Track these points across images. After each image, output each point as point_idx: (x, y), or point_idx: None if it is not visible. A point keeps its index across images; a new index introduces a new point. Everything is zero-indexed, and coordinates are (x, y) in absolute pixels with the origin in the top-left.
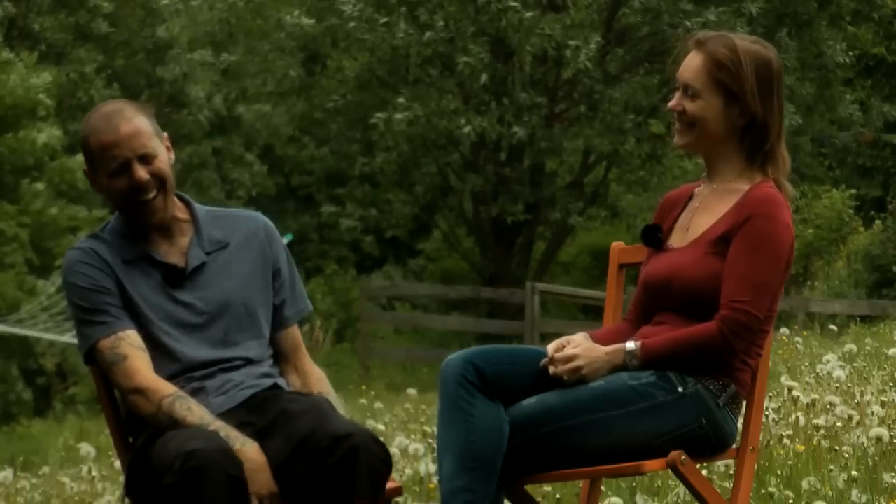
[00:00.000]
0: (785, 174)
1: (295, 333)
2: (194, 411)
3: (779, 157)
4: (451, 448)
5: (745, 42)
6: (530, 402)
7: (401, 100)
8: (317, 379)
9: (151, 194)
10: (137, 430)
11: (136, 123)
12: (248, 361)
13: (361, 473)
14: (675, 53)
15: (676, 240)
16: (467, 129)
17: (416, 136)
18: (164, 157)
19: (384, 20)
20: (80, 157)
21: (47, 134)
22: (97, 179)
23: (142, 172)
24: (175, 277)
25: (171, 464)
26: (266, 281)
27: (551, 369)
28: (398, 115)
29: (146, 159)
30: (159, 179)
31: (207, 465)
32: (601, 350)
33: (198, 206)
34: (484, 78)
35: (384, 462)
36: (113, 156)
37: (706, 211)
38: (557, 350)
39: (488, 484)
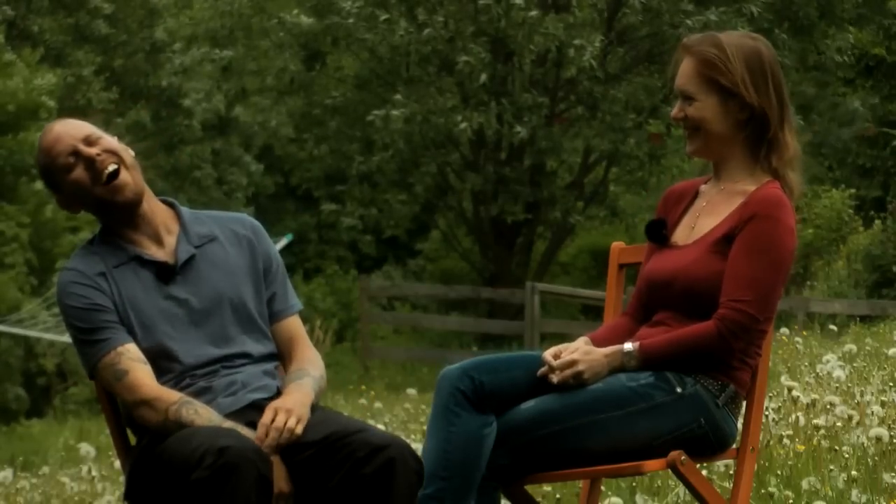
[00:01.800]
0: (791, 163)
1: (290, 327)
2: (202, 414)
3: (783, 144)
4: (430, 456)
5: (731, 37)
6: (529, 405)
7: (398, 97)
8: (307, 359)
9: (111, 167)
10: (142, 428)
11: (73, 122)
12: (249, 357)
13: (398, 486)
14: (671, 66)
15: (681, 237)
16: (464, 125)
17: (413, 135)
18: (113, 140)
19: (384, 17)
20: None
21: None
22: (63, 191)
23: (90, 150)
24: (166, 274)
25: (200, 459)
26: (257, 276)
27: (554, 377)
28: (395, 112)
29: (90, 140)
30: (113, 155)
31: (241, 462)
32: (600, 353)
33: (183, 209)
34: (483, 77)
35: (418, 475)
36: (58, 151)
37: (712, 211)
38: (555, 357)
39: (460, 495)
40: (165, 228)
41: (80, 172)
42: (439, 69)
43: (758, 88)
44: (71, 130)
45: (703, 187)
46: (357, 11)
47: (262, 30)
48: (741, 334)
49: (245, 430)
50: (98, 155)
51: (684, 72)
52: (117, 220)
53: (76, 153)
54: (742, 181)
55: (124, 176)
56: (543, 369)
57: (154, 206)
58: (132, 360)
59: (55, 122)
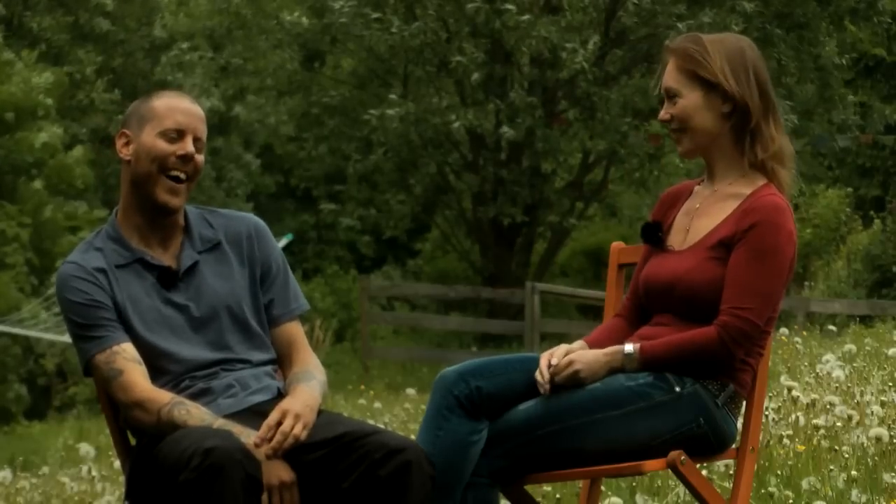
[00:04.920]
0: (779, 159)
1: (289, 331)
2: (193, 414)
3: (766, 136)
4: None
5: (712, 35)
6: (528, 405)
7: (393, 95)
8: (312, 363)
9: (184, 174)
10: (141, 429)
11: (202, 115)
12: (248, 363)
13: (413, 490)
14: (659, 70)
15: (676, 241)
16: (457, 124)
17: (409, 134)
18: (202, 159)
19: (376, 15)
20: (76, 153)
21: (48, 133)
22: (138, 136)
23: (191, 148)
24: (168, 279)
25: (187, 461)
26: (255, 283)
27: (555, 379)
28: (390, 111)
29: (198, 144)
30: (195, 169)
31: (226, 462)
32: (599, 353)
33: (189, 208)
34: (476, 76)
35: (433, 479)
36: (177, 120)
37: (706, 214)
38: (548, 363)
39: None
40: (173, 230)
41: (167, 147)
42: (438, 69)
43: (738, 79)
44: (197, 121)
45: (696, 188)
46: (349, 10)
47: (260, 29)
48: (743, 341)
49: (238, 429)
50: (191, 158)
51: (669, 71)
52: (140, 204)
53: (183, 136)
54: (735, 183)
55: (182, 188)
56: (537, 377)
57: (177, 219)
58: (127, 360)
59: (189, 97)
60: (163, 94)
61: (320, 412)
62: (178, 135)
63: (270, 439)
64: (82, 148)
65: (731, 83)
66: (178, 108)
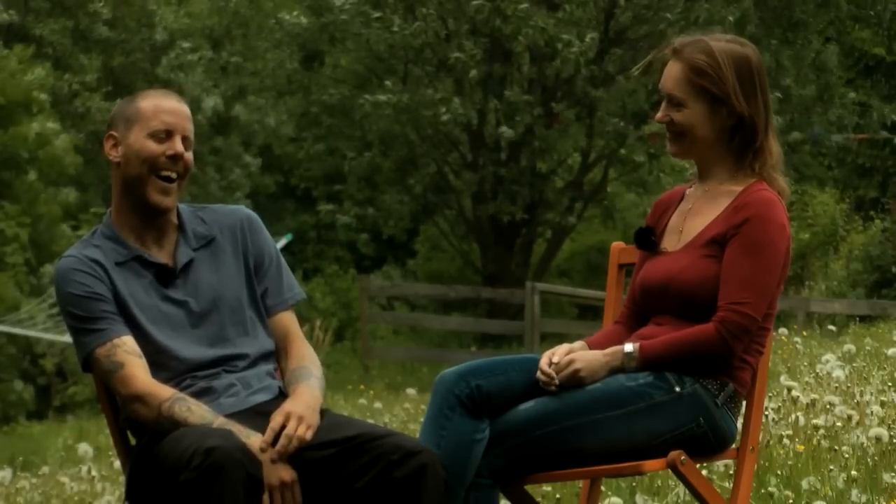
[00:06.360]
0: (776, 168)
1: (283, 322)
2: (195, 411)
3: (767, 152)
4: None
5: (720, 43)
6: (528, 405)
7: (388, 83)
8: (308, 356)
9: (175, 174)
10: (140, 429)
11: (188, 114)
12: (247, 358)
13: (428, 492)
14: (648, 61)
15: (670, 243)
16: (446, 117)
17: (405, 129)
18: (191, 156)
19: (377, 14)
20: (63, 142)
21: (41, 124)
22: (126, 138)
23: (181, 147)
24: (166, 276)
25: (188, 460)
26: (250, 274)
27: (552, 388)
28: (382, 98)
29: (186, 143)
30: (185, 168)
31: (227, 462)
32: (599, 353)
33: (181, 206)
34: (473, 73)
35: (445, 483)
36: (164, 120)
37: (698, 213)
38: (549, 361)
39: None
40: (167, 228)
41: (156, 147)
42: (437, 68)
43: (747, 98)
44: (184, 119)
45: (688, 191)
46: (349, 8)
47: (259, 28)
48: (742, 336)
49: (238, 428)
50: (180, 157)
51: (673, 76)
52: (133, 205)
53: (171, 136)
54: (726, 182)
55: (174, 187)
56: (541, 377)
57: (171, 217)
58: (128, 354)
59: (179, 97)
60: (148, 93)
61: (323, 412)
62: (166, 135)
63: (275, 443)
64: (67, 137)
65: (741, 102)
66: (165, 107)
